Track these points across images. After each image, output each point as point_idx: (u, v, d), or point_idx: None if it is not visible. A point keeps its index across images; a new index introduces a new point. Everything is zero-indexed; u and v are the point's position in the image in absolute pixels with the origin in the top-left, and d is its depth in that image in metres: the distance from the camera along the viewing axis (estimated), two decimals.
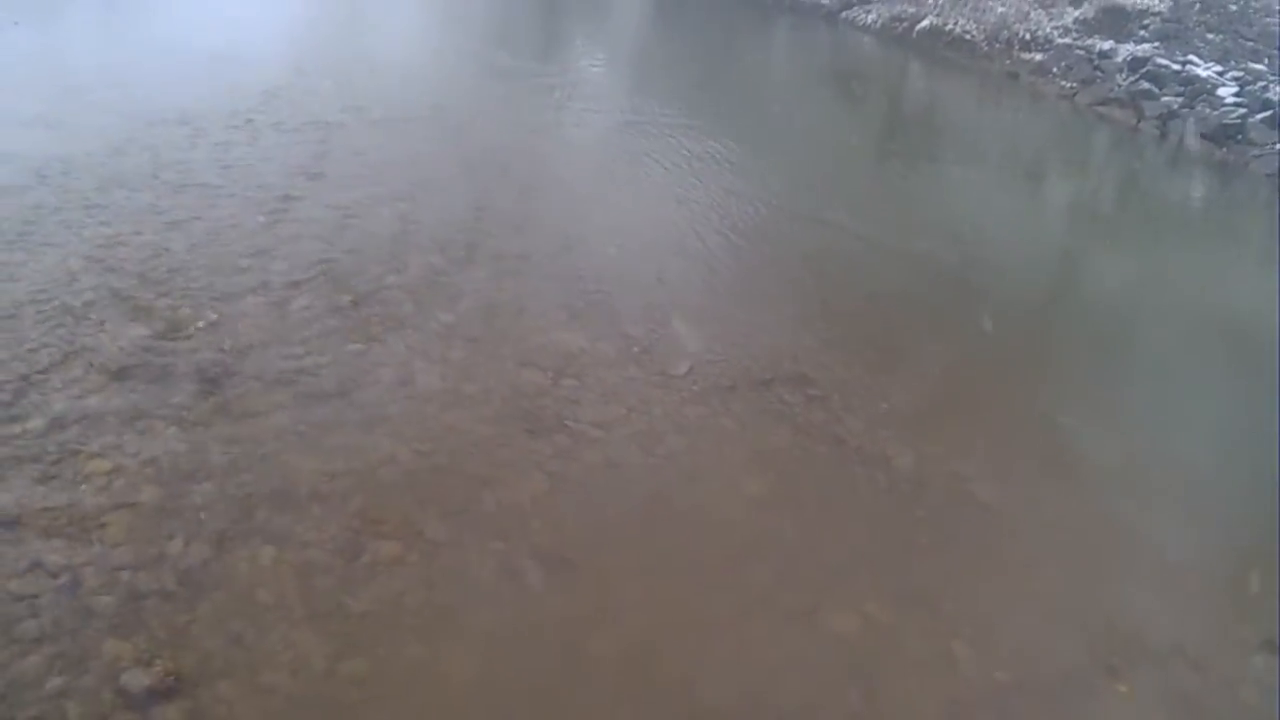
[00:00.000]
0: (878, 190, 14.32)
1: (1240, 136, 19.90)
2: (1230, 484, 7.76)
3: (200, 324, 7.03)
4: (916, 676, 5.16)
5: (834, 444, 7.11)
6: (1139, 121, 21.34)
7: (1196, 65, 22.47)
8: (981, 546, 6.35)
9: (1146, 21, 24.78)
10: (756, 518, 6.19)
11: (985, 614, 5.72)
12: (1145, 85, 21.84)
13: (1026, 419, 8.13)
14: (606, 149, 13.36)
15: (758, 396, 7.53)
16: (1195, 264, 13.61)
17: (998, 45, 25.29)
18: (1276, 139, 19.33)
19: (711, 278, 9.61)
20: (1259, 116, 19.95)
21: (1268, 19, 24.56)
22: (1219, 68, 22.46)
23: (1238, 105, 20.50)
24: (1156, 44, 23.71)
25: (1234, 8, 24.90)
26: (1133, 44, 23.80)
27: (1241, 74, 22.00)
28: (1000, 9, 25.84)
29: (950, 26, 26.08)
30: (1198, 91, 21.32)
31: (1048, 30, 25.07)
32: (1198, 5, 25.11)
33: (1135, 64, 22.57)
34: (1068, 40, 24.57)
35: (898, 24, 27.30)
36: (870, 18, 28.18)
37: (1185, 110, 20.86)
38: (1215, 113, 20.43)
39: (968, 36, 25.71)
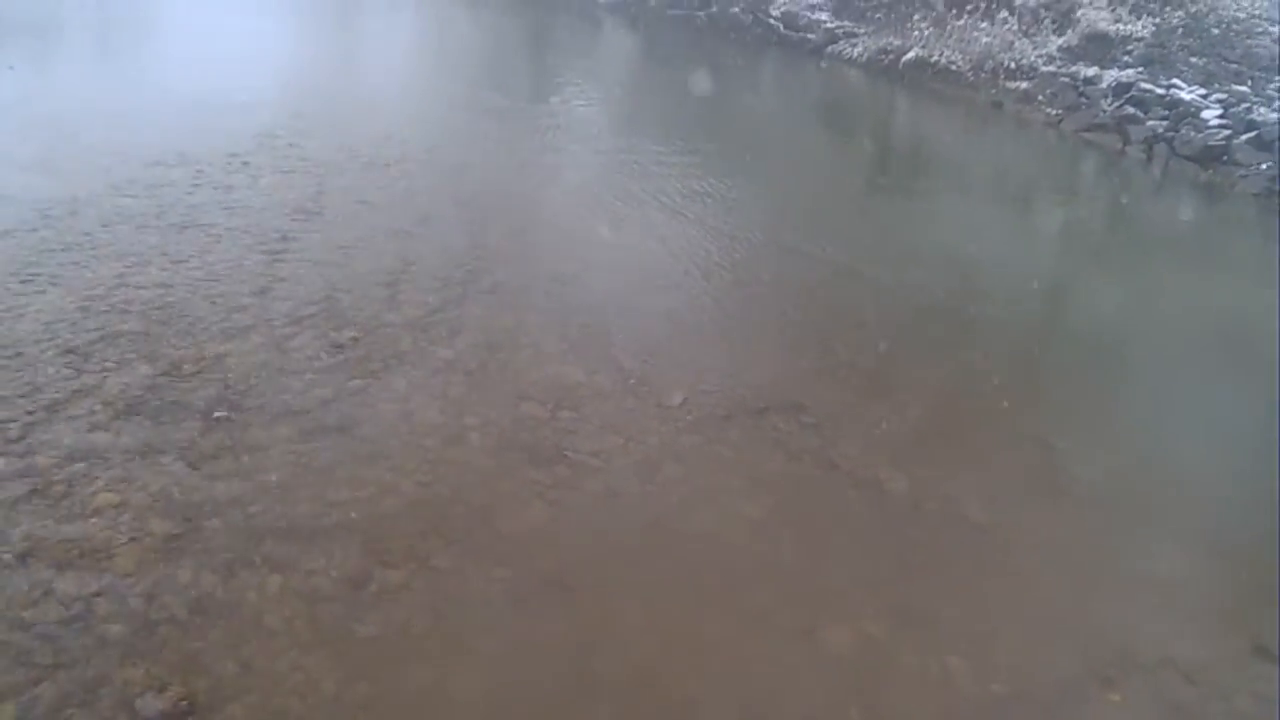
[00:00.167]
0: (867, 222, 14.44)
1: (1226, 158, 20.11)
2: (1222, 501, 7.86)
3: (204, 361, 7.15)
4: (914, 691, 5.26)
5: (828, 469, 7.23)
6: (1124, 146, 21.56)
7: (1181, 89, 22.71)
8: (975, 565, 6.45)
9: (1130, 47, 25.04)
10: (753, 541, 6.29)
11: (980, 630, 5.81)
12: (1130, 110, 22.07)
13: (1018, 442, 8.24)
14: (599, 186, 13.48)
15: (752, 424, 7.65)
16: (1184, 285, 13.74)
17: (983, 75, 25.51)
18: (1262, 160, 19.56)
19: (705, 310, 9.73)
20: (1244, 138, 20.15)
21: (1250, 41, 24.84)
22: (1203, 91, 22.68)
23: (1222, 127, 20.71)
24: (1140, 69, 23.97)
25: (1216, 31, 25.18)
26: (1117, 70, 24.05)
27: (1225, 96, 22.22)
28: (985, 39, 26.08)
29: (936, 58, 26.30)
30: (1182, 115, 21.53)
31: (1032, 58, 25.30)
32: (1181, 30, 25.40)
33: (1120, 89, 22.80)
34: (1052, 68, 24.81)
35: (884, 56, 27.51)
36: (856, 51, 28.40)
37: (1170, 134, 21.10)
38: (1200, 135, 20.64)
39: (953, 67, 25.94)
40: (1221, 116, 21.13)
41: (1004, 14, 26.61)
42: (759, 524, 6.47)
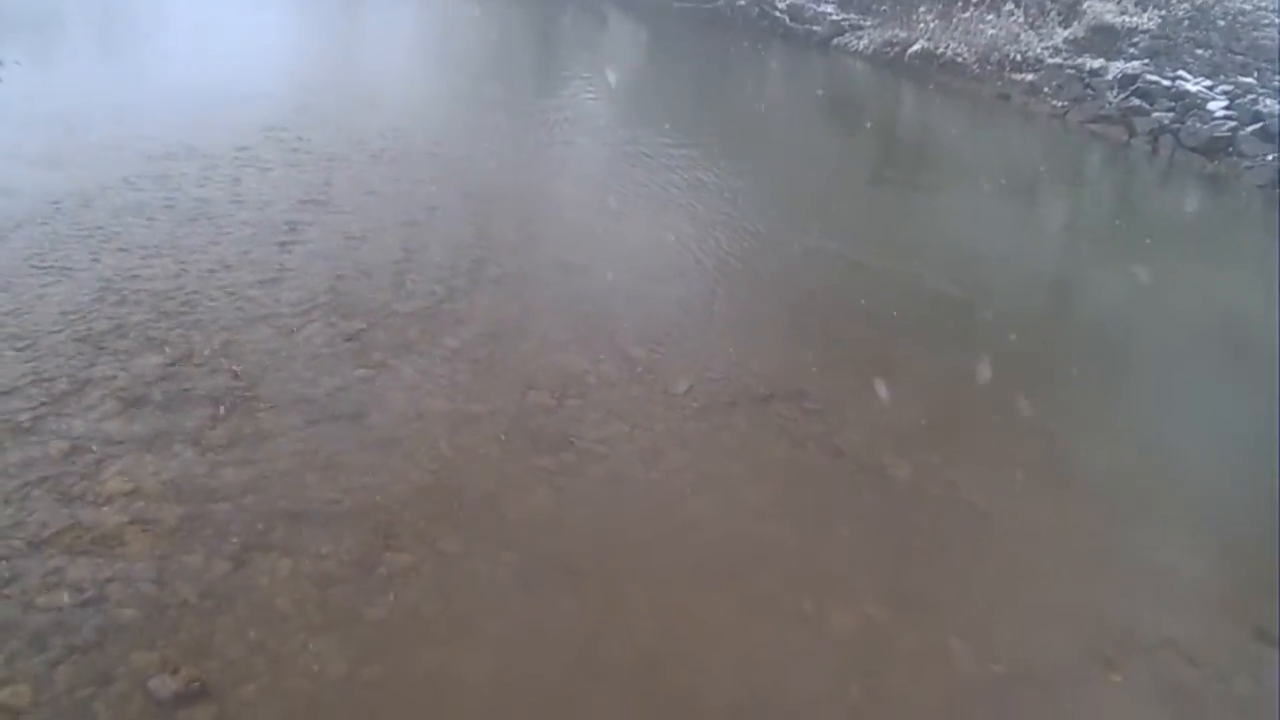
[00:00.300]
0: (873, 214, 14.50)
1: (1231, 149, 20.16)
2: (1222, 490, 7.91)
3: (214, 351, 7.22)
4: (916, 671, 5.32)
5: (832, 455, 7.29)
6: (1130, 138, 21.60)
7: (1186, 80, 22.74)
8: (977, 550, 6.51)
9: (1136, 39, 25.07)
10: (758, 526, 6.36)
11: (982, 612, 5.87)
12: (1136, 102, 22.11)
13: (1022, 431, 8.26)
14: (604, 178, 13.54)
15: (757, 412, 7.71)
16: (1188, 276, 13.77)
17: (989, 67, 25.54)
18: (1267, 151, 19.57)
19: (710, 300, 9.80)
20: (1249, 129, 20.20)
21: (1256, 33, 24.84)
22: (1209, 82, 22.72)
23: (1228, 119, 20.76)
24: (1146, 61, 23.99)
25: (1222, 23, 25.18)
26: (1122, 61, 24.08)
27: (1231, 88, 22.26)
28: (991, 31, 26.10)
29: (942, 50, 26.32)
30: (1188, 106, 21.58)
31: (1038, 51, 25.34)
32: (1186, 21, 25.40)
33: (1125, 81, 22.83)
34: (1058, 60, 24.84)
35: (890, 49, 27.54)
36: (862, 43, 28.43)
37: (1176, 125, 21.11)
38: (1206, 126, 20.67)
39: (959, 59, 25.96)
40: (1227, 108, 21.17)
41: (1010, 6, 26.63)
42: (763, 509, 6.53)
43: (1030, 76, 24.73)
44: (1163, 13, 25.72)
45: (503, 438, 6.82)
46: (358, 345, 7.68)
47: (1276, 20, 24.92)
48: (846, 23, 29.62)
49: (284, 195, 10.56)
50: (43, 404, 6.24)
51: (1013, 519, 6.87)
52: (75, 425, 6.10)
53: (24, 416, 6.09)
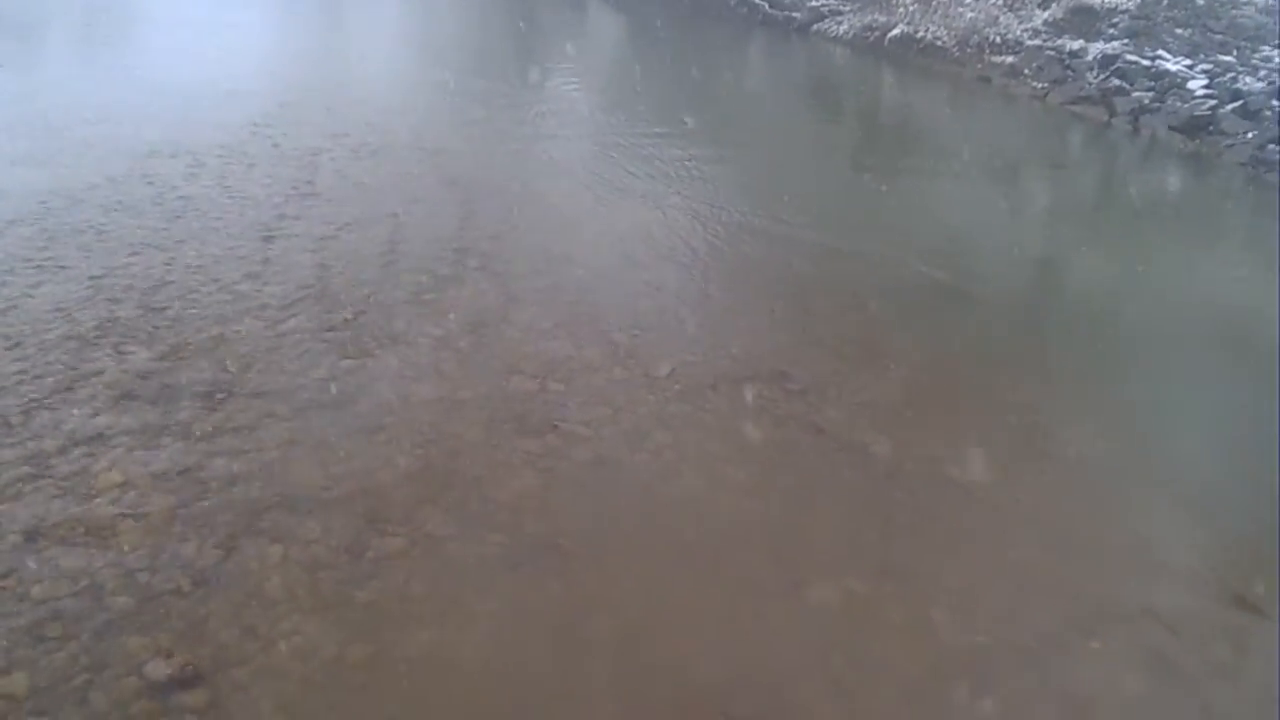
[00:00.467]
0: (853, 199, 14.59)
1: (1212, 128, 20.27)
2: (1203, 465, 8.04)
3: (202, 344, 7.29)
4: (897, 642, 5.42)
5: (813, 434, 7.38)
6: (1111, 118, 21.71)
7: (1166, 60, 22.85)
8: (958, 524, 6.60)
9: (1115, 19, 25.16)
10: (740, 504, 6.46)
11: (963, 585, 5.98)
12: (1116, 82, 22.22)
13: (1002, 408, 8.38)
14: (585, 166, 13.59)
15: (738, 393, 7.80)
16: (1170, 255, 13.90)
17: (969, 50, 25.62)
18: (1247, 129, 19.70)
19: (691, 285, 9.87)
20: (1229, 107, 20.33)
21: (1235, 11, 24.96)
22: (1188, 61, 22.84)
23: (1208, 98, 20.87)
24: (1125, 41, 24.09)
25: (1201, 2, 25.29)
26: (1102, 42, 24.18)
27: (1211, 67, 22.39)
28: (970, 14, 26.18)
29: (921, 34, 26.40)
30: (1168, 86, 21.70)
31: (1017, 33, 25.43)
32: (1165, 1, 25.49)
33: (1105, 62, 22.94)
34: (1038, 42, 24.93)
35: (869, 34, 27.61)
36: (842, 29, 28.49)
37: (1156, 105, 21.22)
38: (1186, 106, 20.79)
39: (939, 43, 26.05)
40: (1207, 87, 21.29)
41: None
42: (746, 487, 6.63)
43: (1010, 59, 24.81)
44: None
45: (488, 423, 6.90)
46: (344, 335, 7.76)
47: None
48: (826, 8, 29.66)
49: (269, 190, 10.61)
50: (34, 399, 6.31)
51: (993, 494, 6.97)
52: (66, 420, 6.17)
53: (15, 412, 6.16)
